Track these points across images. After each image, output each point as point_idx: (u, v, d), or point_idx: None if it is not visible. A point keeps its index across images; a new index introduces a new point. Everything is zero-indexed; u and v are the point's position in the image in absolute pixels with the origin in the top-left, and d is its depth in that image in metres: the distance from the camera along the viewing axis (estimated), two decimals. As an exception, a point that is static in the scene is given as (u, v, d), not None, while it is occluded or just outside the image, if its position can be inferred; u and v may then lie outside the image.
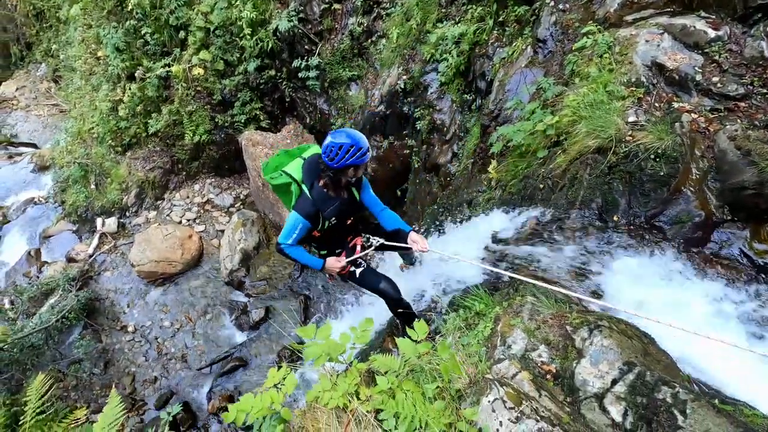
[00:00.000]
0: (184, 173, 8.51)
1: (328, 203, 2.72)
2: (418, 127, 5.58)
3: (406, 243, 2.83)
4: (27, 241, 8.38)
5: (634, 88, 3.16)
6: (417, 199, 5.95)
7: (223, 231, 7.65)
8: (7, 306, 6.82)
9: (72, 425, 2.48)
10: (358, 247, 3.10)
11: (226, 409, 5.25)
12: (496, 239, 3.54)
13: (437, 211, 5.07)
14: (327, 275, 3.13)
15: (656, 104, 3.09)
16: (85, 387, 5.97)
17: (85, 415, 3.06)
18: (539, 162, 3.60)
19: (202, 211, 8.12)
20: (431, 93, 5.41)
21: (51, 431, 2.29)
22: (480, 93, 4.81)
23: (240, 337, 6.34)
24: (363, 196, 2.96)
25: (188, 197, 8.32)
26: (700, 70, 3.02)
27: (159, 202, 8.35)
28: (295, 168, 2.85)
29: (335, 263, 2.90)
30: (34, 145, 11.14)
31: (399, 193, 6.48)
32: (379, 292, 3.08)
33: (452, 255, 2.90)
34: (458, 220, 4.34)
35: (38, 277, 7.37)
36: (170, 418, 2.94)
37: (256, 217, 7.47)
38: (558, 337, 2.09)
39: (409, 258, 3.62)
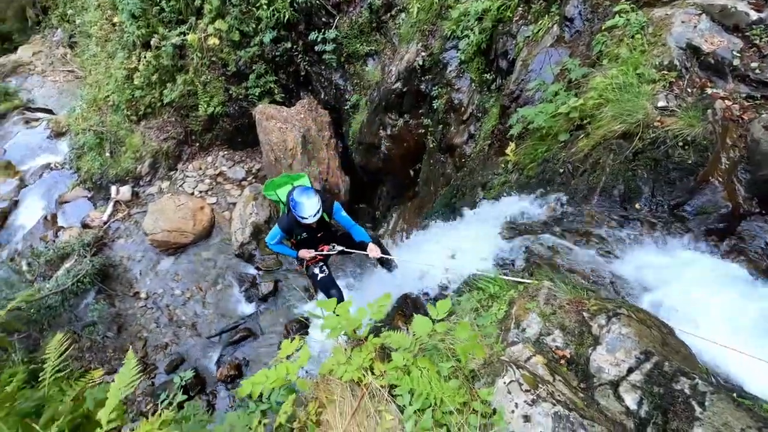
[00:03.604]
0: (198, 144, 8.49)
1: (296, 225, 3.65)
2: (435, 106, 5.46)
3: (365, 251, 3.77)
4: (44, 205, 8.51)
5: (666, 72, 3.03)
6: (430, 179, 5.89)
7: (234, 204, 7.68)
8: (25, 268, 6.98)
9: (89, 384, 2.55)
10: (324, 251, 4.08)
11: (234, 377, 5.49)
12: (513, 225, 3.49)
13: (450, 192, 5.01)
14: (297, 264, 4.22)
15: (688, 89, 2.97)
16: (98, 349, 6.14)
17: (102, 376, 3.15)
18: (560, 145, 3.51)
19: (214, 183, 8.14)
20: (450, 71, 5.27)
21: (69, 389, 2.35)
22: (501, 73, 4.67)
23: (249, 308, 6.44)
24: (334, 217, 3.84)
25: (201, 169, 8.33)
26: (739, 55, 2.88)
27: (172, 172, 8.38)
28: (283, 192, 4.06)
29: (306, 253, 3.98)
30: (50, 111, 11.18)
31: (412, 173, 6.41)
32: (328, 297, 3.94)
33: (403, 258, 3.99)
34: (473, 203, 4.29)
35: (54, 241, 7.51)
36: (183, 383, 3.02)
37: (268, 192, 7.47)
38: (574, 323, 2.06)
39: (388, 266, 4.59)
